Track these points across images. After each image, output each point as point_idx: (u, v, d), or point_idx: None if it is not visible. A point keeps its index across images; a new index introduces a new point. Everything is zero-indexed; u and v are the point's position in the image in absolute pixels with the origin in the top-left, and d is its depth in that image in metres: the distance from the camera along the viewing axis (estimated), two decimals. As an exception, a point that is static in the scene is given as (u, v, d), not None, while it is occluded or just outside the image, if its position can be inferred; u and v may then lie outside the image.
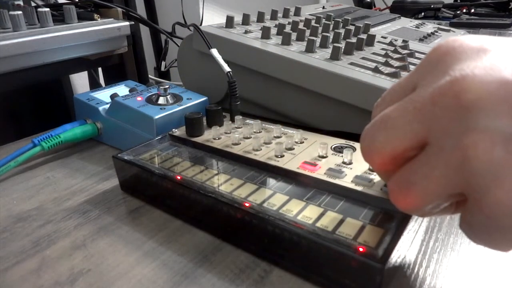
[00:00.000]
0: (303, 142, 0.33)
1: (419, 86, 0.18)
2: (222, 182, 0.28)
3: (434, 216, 0.20)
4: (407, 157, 0.19)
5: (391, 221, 0.23)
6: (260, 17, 0.55)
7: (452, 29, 0.74)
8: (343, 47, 0.43)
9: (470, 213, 0.17)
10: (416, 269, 0.24)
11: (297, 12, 0.63)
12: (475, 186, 0.16)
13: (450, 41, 0.19)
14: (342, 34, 0.50)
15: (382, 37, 0.55)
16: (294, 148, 0.32)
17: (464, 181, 0.16)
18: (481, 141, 0.15)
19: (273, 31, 0.49)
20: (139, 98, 0.40)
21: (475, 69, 0.16)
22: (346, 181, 0.27)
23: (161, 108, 0.39)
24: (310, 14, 0.64)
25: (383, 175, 0.22)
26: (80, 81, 0.95)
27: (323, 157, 0.30)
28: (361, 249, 0.20)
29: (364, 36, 0.49)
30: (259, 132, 0.36)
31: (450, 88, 0.16)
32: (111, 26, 0.56)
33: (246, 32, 0.48)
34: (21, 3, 0.58)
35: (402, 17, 0.77)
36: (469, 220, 0.18)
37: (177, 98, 0.42)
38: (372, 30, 0.59)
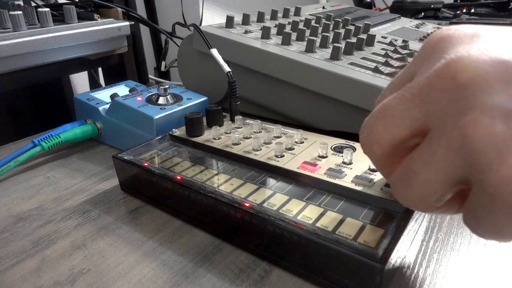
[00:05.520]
0: (303, 142, 0.33)
1: (416, 75, 0.18)
2: (222, 182, 0.28)
3: (438, 213, 0.20)
4: (408, 147, 0.18)
5: (391, 221, 0.23)
6: (260, 17, 0.55)
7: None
8: (343, 47, 0.43)
9: (474, 200, 0.16)
10: (416, 269, 0.24)
11: (297, 12, 0.63)
12: (477, 165, 0.15)
13: (445, 29, 0.19)
14: (342, 34, 0.50)
15: (382, 37, 0.55)
16: (294, 148, 0.32)
17: (466, 162, 0.15)
18: (480, 118, 0.15)
19: (273, 31, 0.49)
20: (139, 98, 0.40)
21: (471, 50, 0.16)
22: (346, 181, 0.27)
23: (161, 108, 0.39)
24: (310, 14, 0.64)
25: (384, 171, 0.21)
26: (80, 81, 0.95)
27: (323, 157, 0.30)
28: (361, 249, 0.20)
29: (364, 36, 0.49)
30: (259, 132, 0.36)
31: (446, 69, 0.16)
32: (111, 26, 0.56)
33: (246, 32, 0.48)
34: (21, 3, 0.58)
35: (402, 17, 0.77)
36: (474, 208, 0.16)
37: (177, 98, 0.42)
38: (372, 30, 0.59)
